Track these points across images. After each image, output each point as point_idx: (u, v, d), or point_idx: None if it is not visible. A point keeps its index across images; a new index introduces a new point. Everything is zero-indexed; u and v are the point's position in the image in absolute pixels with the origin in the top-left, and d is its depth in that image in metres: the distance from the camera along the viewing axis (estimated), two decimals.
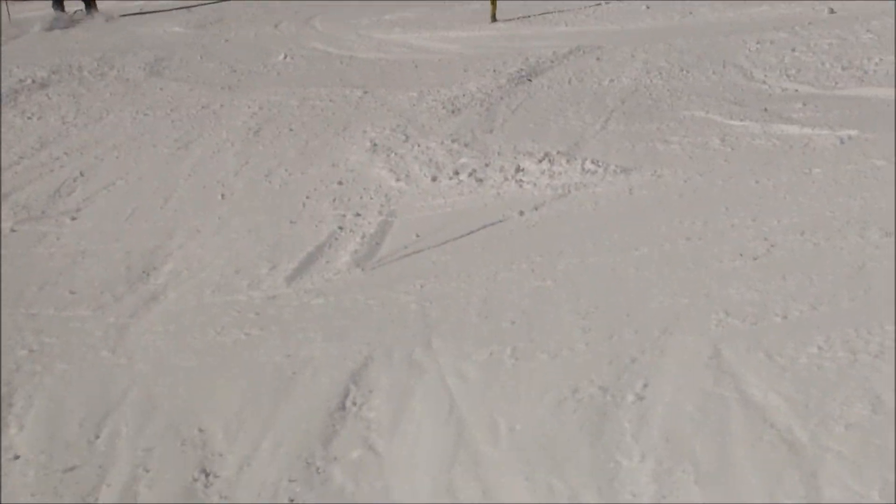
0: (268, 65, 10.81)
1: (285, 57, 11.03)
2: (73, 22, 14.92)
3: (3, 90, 10.08)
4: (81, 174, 7.71)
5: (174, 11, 14.96)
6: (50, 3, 15.98)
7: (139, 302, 5.39)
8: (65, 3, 15.96)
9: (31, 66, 11.15)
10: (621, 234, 5.58)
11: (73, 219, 6.85)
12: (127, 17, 14.76)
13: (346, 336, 4.65)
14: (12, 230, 6.71)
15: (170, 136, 8.46)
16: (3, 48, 12.85)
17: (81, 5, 15.62)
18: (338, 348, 4.53)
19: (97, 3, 15.78)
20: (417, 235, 5.91)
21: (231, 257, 5.86)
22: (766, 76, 8.81)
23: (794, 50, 9.53)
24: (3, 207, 7.11)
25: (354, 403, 4.09)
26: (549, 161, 6.88)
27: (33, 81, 10.40)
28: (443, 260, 5.52)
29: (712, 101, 8.12)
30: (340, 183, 7.01)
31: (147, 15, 14.87)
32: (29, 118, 9.24)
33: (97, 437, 4.04)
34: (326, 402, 4.11)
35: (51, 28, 14.64)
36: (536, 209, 6.15)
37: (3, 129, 8.92)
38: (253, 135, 8.30)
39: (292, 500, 3.57)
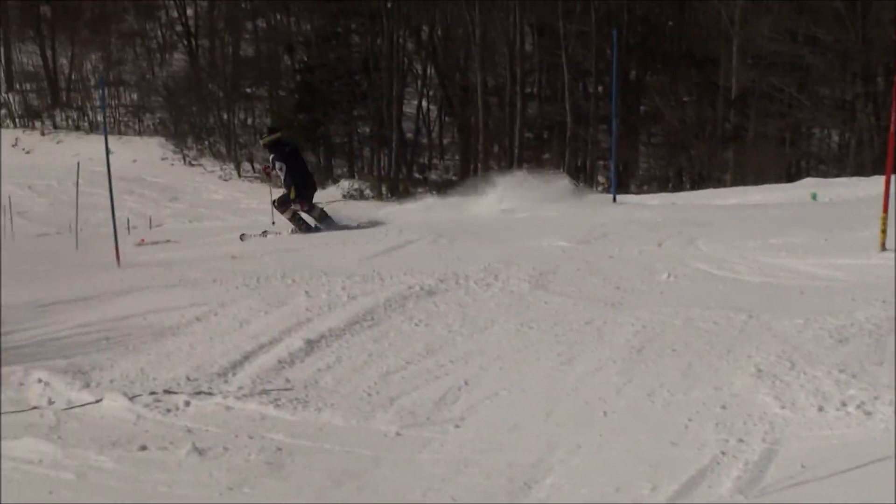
0: (651, 283, 11.17)
1: (669, 276, 11.37)
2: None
3: (393, 296, 10.94)
4: (466, 383, 8.30)
5: (560, 223, 15.72)
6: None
7: None
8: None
9: (419, 274, 12.04)
10: None
11: (457, 427, 7.39)
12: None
13: None
14: (398, 434, 7.32)
15: (553, 350, 8.95)
16: (395, 252, 13.95)
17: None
18: None
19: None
20: (803, 466, 5.99)
21: (611, 476, 6.16)
22: None
23: None
24: (389, 411, 7.77)
25: None
26: None
27: (421, 289, 11.21)
28: (829, 494, 5.57)
29: None
30: (724, 407, 7.19)
31: (533, 226, 15.70)
32: (416, 325, 10.00)
33: None
34: None
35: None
36: None
37: (391, 335, 9.70)
38: (636, 353, 8.64)
39: None
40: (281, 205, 19.03)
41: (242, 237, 18.67)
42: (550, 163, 52.67)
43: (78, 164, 27.92)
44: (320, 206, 19.46)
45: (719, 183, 42.85)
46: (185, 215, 44.64)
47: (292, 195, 18.64)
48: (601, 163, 52.03)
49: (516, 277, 11.65)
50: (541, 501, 5.94)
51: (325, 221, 18.99)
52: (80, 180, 27.23)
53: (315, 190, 19.63)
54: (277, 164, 18.52)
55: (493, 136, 53.58)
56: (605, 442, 6.78)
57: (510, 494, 6.07)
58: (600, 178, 50.85)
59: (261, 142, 19.97)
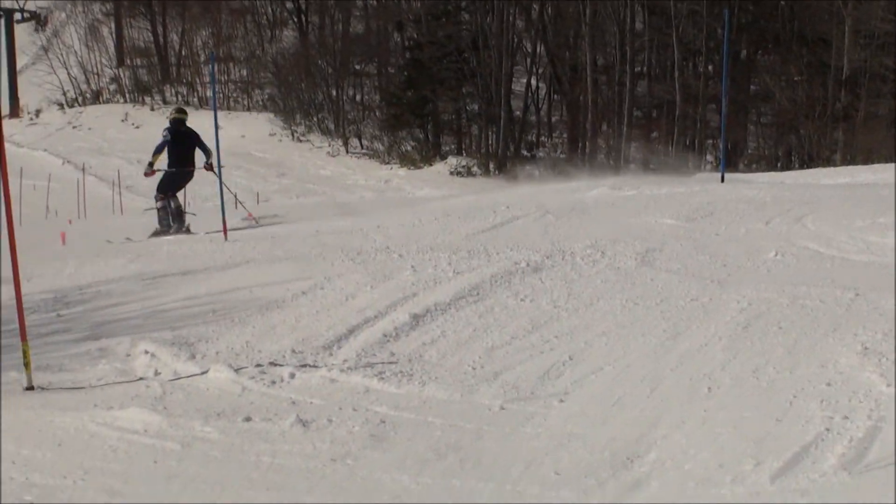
0: (758, 261, 11.04)
1: (776, 254, 11.22)
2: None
3: (498, 271, 10.95)
4: (570, 358, 8.30)
5: (667, 201, 15.60)
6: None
7: (622, 489, 5.77)
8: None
9: (525, 250, 12.04)
10: None
11: (561, 401, 7.40)
12: None
13: None
14: (501, 408, 7.36)
15: (658, 326, 8.91)
16: (501, 228, 13.96)
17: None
18: None
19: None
20: None
21: (715, 451, 6.13)
22: None
23: None
24: (493, 385, 7.80)
25: None
26: None
27: (527, 265, 11.22)
28: None
29: None
30: (829, 384, 7.10)
31: (640, 204, 15.60)
32: (522, 300, 10.01)
33: None
34: None
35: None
36: None
37: (496, 310, 9.73)
38: (741, 330, 8.56)
39: None
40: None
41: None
42: (659, 142, 52.22)
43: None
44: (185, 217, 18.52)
45: (828, 163, 42.12)
46: (293, 191, 45.06)
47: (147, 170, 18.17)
48: (710, 142, 51.36)
49: (622, 254, 11.60)
50: (643, 476, 5.92)
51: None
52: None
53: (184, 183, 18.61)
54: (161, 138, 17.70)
55: (602, 115, 53.22)
56: (708, 418, 6.74)
57: (613, 469, 6.07)
58: (709, 157, 50.24)
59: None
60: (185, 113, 18.67)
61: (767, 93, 52.19)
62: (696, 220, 13.70)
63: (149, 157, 18.43)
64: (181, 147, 17.89)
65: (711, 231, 12.84)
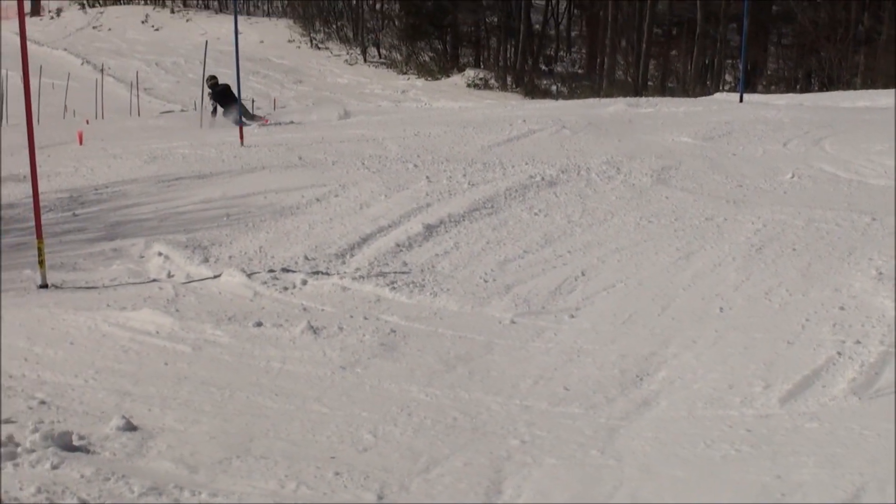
0: (774, 182, 10.91)
1: (793, 176, 11.09)
2: None
3: (513, 185, 10.85)
4: (583, 273, 8.24)
5: (684, 120, 15.42)
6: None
7: (631, 406, 5.73)
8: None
9: (540, 164, 11.92)
10: None
11: (572, 317, 7.35)
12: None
13: (839, 464, 4.71)
14: (512, 321, 7.32)
15: (672, 244, 8.82)
16: (518, 141, 13.84)
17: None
18: (829, 476, 4.59)
19: None
20: None
21: (725, 372, 6.08)
22: None
23: None
24: (504, 299, 7.74)
25: None
26: None
27: (542, 179, 11.11)
28: None
29: None
30: (842, 308, 7.04)
31: (657, 122, 15.42)
32: (536, 214, 9.93)
33: None
34: None
35: None
36: None
37: (510, 223, 9.65)
38: (755, 251, 8.48)
39: None
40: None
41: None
42: (678, 59, 51.68)
43: (206, 42, 28.10)
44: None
45: (848, 86, 41.62)
46: (309, 98, 44.73)
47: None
48: (729, 62, 50.73)
49: (638, 171, 11.47)
50: (652, 394, 5.88)
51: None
52: (206, 59, 27.41)
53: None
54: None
55: (621, 31, 52.54)
56: (719, 338, 6.69)
57: (622, 386, 6.03)
58: (727, 77, 49.71)
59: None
60: (215, 77, 23.77)
61: (789, 13, 51.46)
62: (713, 139, 13.53)
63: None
64: (221, 97, 23.16)
65: (728, 151, 12.68)
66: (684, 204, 10.07)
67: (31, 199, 8.44)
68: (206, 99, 23.98)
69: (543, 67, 55.32)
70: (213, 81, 23.76)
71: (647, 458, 4.97)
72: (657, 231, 9.25)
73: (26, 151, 8.62)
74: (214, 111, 23.23)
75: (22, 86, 8.37)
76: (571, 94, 46.16)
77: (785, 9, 52.13)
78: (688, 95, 33.65)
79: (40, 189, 8.65)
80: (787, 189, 10.66)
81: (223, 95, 23.17)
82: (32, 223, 8.44)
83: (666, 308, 7.38)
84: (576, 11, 59.97)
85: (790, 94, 30.26)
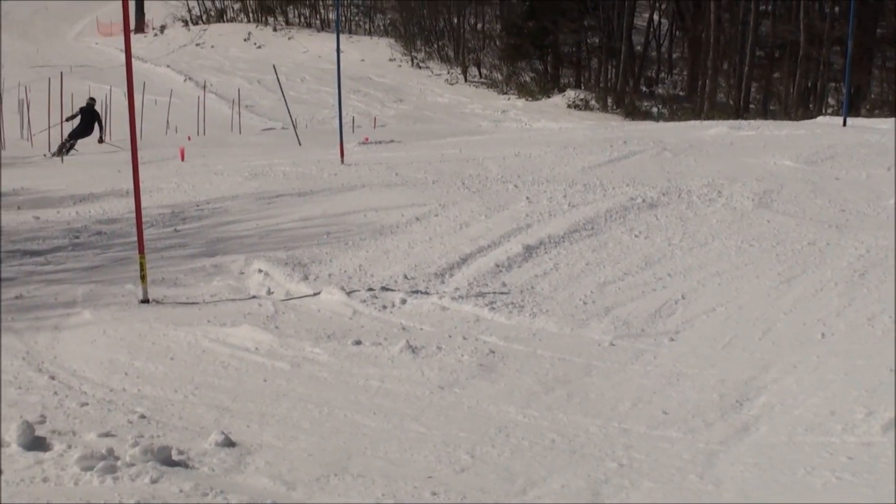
0: (878, 207, 10.72)
1: None
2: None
3: (614, 206, 10.80)
4: (683, 297, 8.17)
5: (786, 143, 15.20)
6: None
7: (730, 430, 5.67)
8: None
9: (641, 186, 11.86)
10: None
11: (672, 340, 7.30)
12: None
13: None
14: (611, 343, 7.28)
15: (773, 268, 8.72)
16: (618, 163, 13.77)
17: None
18: None
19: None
20: None
21: (826, 398, 5.99)
22: None
23: None
24: (604, 321, 7.71)
25: None
26: None
27: (643, 201, 11.04)
28: None
29: None
30: None
31: (759, 145, 15.24)
32: (636, 236, 9.87)
33: None
34: None
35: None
36: None
37: (610, 245, 9.61)
38: (858, 277, 8.34)
39: None
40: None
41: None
42: (780, 82, 51.00)
43: (282, 65, 28.35)
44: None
45: None
46: (409, 117, 44.92)
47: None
48: (832, 85, 49.99)
49: (740, 194, 11.35)
50: (752, 419, 5.81)
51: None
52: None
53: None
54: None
55: (723, 53, 52.06)
56: (821, 364, 6.58)
57: (721, 411, 5.96)
58: (830, 101, 48.93)
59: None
60: (94, 100, 26.17)
61: (894, 36, 50.53)
62: (815, 163, 13.32)
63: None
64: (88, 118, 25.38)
65: (831, 175, 12.48)
66: (786, 228, 9.93)
67: (134, 215, 8.58)
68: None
69: (644, 89, 54.98)
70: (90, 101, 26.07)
71: (745, 484, 4.92)
72: (758, 255, 9.14)
73: (130, 167, 8.78)
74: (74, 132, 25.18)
75: (126, 102, 8.56)
76: (672, 116, 45.82)
77: (890, 31, 51.19)
78: (790, 119, 33.19)
79: (142, 204, 8.81)
80: (890, 214, 10.46)
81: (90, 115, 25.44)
82: (134, 238, 8.59)
83: (767, 333, 7.30)
84: (677, 33, 59.53)
85: (894, 118, 29.71)
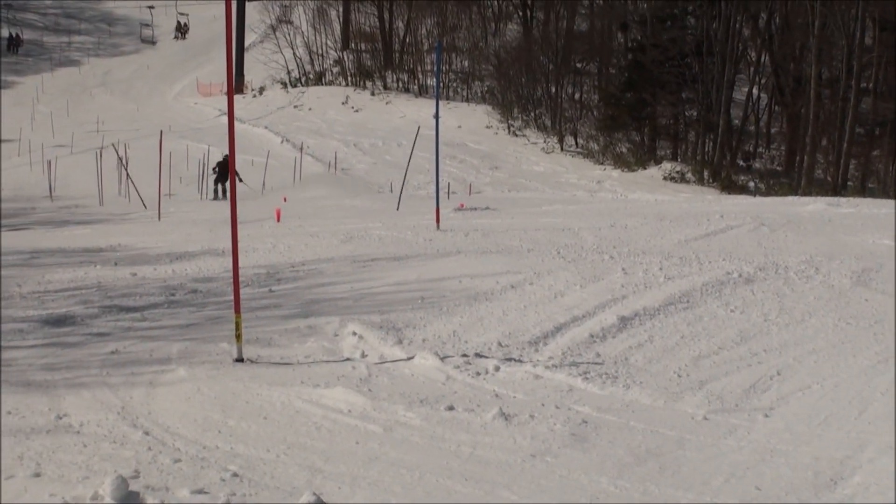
0: None
1: None
2: None
3: (710, 280, 10.75)
4: (778, 373, 8.10)
5: (885, 222, 15.02)
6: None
7: None
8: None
9: (738, 260, 11.80)
10: None
11: (766, 416, 7.23)
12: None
13: None
14: (705, 418, 7.22)
15: (871, 347, 8.62)
16: (715, 237, 13.70)
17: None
18: None
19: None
20: None
21: None
22: None
23: None
24: (698, 395, 7.66)
25: None
26: None
27: (739, 275, 10.99)
28: None
29: None
30: None
31: (858, 222, 15.07)
32: (732, 311, 9.83)
33: None
34: None
35: None
36: None
37: (705, 319, 9.56)
38: None
39: None
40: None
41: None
42: (879, 160, 50.31)
43: (418, 128, 28.58)
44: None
45: None
46: (505, 184, 45.08)
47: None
48: None
49: (837, 272, 11.24)
50: (847, 498, 5.73)
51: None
52: (403, 142, 27.90)
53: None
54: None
55: (823, 129, 51.56)
56: None
57: (815, 489, 5.89)
58: None
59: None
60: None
61: None
62: None
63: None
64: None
65: None
66: (885, 307, 9.80)
67: (229, 274, 8.72)
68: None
69: (741, 163, 54.60)
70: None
71: None
72: (856, 333, 9.03)
73: (228, 227, 8.94)
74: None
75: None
76: (769, 191, 45.40)
77: None
78: (889, 197, 32.72)
79: (239, 264, 8.94)
80: None
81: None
82: (229, 297, 8.73)
83: (863, 412, 7.19)
84: (776, 108, 59.14)
85: None
